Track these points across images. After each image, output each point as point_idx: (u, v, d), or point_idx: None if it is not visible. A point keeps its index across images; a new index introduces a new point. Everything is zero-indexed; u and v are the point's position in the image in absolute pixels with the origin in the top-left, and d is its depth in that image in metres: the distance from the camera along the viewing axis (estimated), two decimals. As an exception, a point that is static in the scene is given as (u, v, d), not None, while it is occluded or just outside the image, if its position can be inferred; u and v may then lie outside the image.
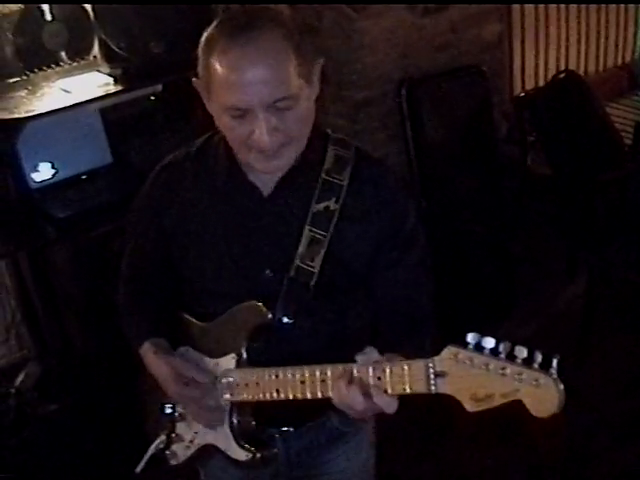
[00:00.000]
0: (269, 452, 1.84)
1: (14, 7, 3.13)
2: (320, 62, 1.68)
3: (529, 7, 4.68)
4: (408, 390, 1.46)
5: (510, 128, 4.46)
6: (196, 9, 3.22)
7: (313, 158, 1.73)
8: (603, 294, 3.67)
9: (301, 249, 1.71)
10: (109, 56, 3.16)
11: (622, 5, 5.15)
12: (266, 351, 1.76)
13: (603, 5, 5.05)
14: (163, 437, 1.95)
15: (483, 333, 1.37)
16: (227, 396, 1.79)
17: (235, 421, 1.81)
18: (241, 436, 1.81)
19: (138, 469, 1.97)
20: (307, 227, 1.71)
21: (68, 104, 3.00)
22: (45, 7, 3.14)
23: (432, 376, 1.41)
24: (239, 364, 1.77)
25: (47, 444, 3.12)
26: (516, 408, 1.35)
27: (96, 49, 3.26)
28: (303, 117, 1.64)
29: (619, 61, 5.29)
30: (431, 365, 1.41)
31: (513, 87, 4.70)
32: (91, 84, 3.10)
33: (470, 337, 1.36)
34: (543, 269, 4.23)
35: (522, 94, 4.38)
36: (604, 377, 3.60)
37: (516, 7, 4.59)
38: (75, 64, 3.24)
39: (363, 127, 3.70)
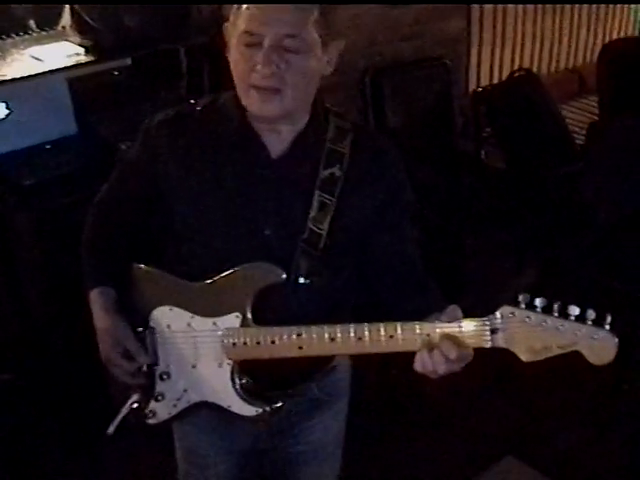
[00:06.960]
0: (275, 405, 1.87)
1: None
2: (342, 45, 1.75)
3: (488, 6, 4.77)
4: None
5: (465, 122, 4.55)
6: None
7: (318, 127, 1.79)
8: (553, 286, 3.75)
9: (313, 213, 1.76)
10: (81, 27, 3.15)
11: (576, 9, 5.30)
12: (270, 310, 1.78)
13: (558, 8, 5.19)
14: (136, 397, 1.93)
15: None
16: (231, 356, 1.81)
17: (238, 380, 1.84)
18: (247, 394, 1.85)
19: (110, 430, 1.93)
20: (317, 192, 1.77)
21: (39, 71, 2.98)
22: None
23: (488, 332, 1.54)
24: (243, 323, 1.79)
25: (2, 414, 3.09)
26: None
27: (66, 19, 3.25)
28: (304, 72, 1.69)
29: (570, 64, 5.44)
30: (487, 323, 1.54)
31: (468, 83, 4.80)
32: (62, 53, 3.09)
33: (521, 297, 1.50)
34: (494, 261, 4.31)
35: (480, 89, 4.48)
36: (554, 369, 3.68)
37: (475, 5, 4.68)
38: (44, 33, 3.23)
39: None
